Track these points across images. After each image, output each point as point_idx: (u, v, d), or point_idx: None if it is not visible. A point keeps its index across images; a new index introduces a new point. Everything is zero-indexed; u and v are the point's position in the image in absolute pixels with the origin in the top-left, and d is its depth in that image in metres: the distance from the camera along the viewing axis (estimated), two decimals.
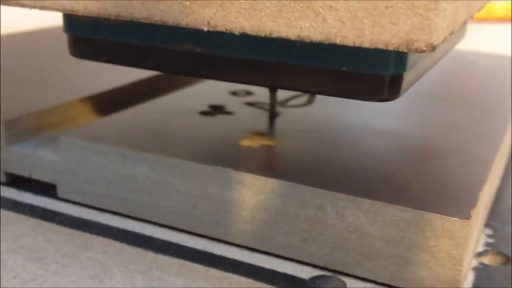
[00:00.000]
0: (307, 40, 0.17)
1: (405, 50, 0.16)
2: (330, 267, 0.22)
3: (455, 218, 0.19)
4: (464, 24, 0.27)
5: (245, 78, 0.21)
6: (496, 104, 0.33)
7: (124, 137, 0.25)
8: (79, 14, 0.20)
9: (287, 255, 0.22)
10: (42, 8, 0.20)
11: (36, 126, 0.28)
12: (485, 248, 0.24)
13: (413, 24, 0.15)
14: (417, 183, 0.22)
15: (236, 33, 0.18)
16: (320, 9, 0.16)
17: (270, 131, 0.28)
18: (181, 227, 0.24)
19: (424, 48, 0.16)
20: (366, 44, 0.16)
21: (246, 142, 0.26)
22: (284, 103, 0.32)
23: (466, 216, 0.20)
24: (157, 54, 0.22)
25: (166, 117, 0.28)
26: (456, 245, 0.20)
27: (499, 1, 0.87)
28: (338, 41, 0.17)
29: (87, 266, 0.21)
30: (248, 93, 0.33)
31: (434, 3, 0.15)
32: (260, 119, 0.29)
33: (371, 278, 0.21)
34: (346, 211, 0.21)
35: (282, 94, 0.33)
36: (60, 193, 0.26)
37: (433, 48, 0.16)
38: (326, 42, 0.17)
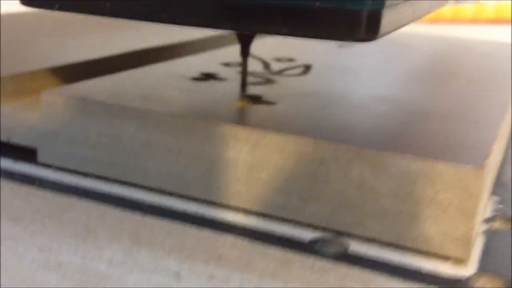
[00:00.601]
0: None
1: None
2: (332, 227, 0.20)
3: (469, 166, 0.18)
4: None
5: (208, 21, 0.19)
6: (496, 80, 0.32)
7: (111, 96, 0.24)
8: None
9: (285, 216, 0.21)
10: None
11: (15, 90, 0.26)
12: (494, 214, 0.22)
13: None
14: (425, 138, 0.21)
15: None
16: None
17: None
18: (171, 190, 0.22)
19: None
20: None
21: (241, 103, 0.24)
22: (279, 72, 0.30)
23: (480, 164, 0.18)
24: None
25: (156, 80, 0.27)
26: (468, 197, 0.18)
27: (489, 3, 0.87)
28: None
29: (68, 227, 0.20)
30: (240, 64, 0.32)
31: None
32: (254, 86, 0.27)
33: (376, 237, 0.20)
34: (350, 164, 0.19)
35: (276, 65, 0.32)
36: (41, 157, 0.24)
37: None
38: None
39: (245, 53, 0.26)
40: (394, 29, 0.19)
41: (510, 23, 0.83)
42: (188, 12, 0.18)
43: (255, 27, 0.18)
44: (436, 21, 0.84)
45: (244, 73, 0.27)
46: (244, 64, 0.27)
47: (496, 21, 0.86)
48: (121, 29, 0.40)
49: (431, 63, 0.36)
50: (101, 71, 0.30)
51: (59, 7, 0.20)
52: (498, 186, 0.25)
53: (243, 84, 0.27)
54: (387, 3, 0.18)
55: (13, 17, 0.44)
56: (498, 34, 0.71)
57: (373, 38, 0.18)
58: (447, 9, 0.85)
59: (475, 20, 0.87)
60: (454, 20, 0.86)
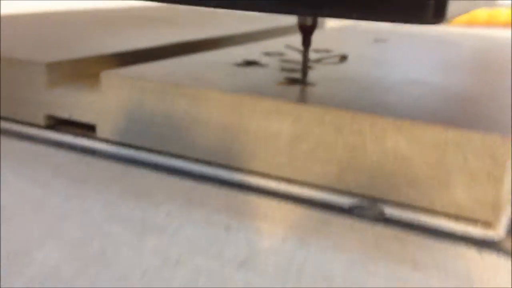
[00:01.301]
0: None
1: None
2: (369, 194, 0.22)
3: (496, 134, 0.19)
4: None
5: (279, 7, 0.20)
6: None
7: (164, 77, 0.26)
8: None
9: (326, 185, 0.22)
10: None
11: (76, 73, 0.28)
12: None
13: None
14: (456, 113, 0.22)
15: None
16: None
17: (304, 78, 0.28)
18: (219, 161, 0.24)
19: None
20: None
21: (281, 84, 0.26)
22: (317, 61, 0.32)
23: (506, 133, 0.20)
24: None
25: (204, 66, 0.29)
26: (496, 164, 0.20)
27: (504, 7, 0.87)
28: None
29: (127, 189, 0.22)
30: (280, 53, 0.34)
31: None
32: (293, 72, 0.29)
33: (410, 203, 0.21)
34: (385, 135, 0.21)
35: (315, 56, 0.34)
36: (99, 133, 0.27)
37: None
38: None
39: (306, 43, 0.28)
40: (458, 15, 0.20)
41: None
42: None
43: (331, 12, 0.20)
44: (472, 24, 0.84)
45: (305, 63, 0.28)
46: (305, 54, 0.28)
47: None
48: (164, 25, 0.43)
49: (464, 56, 0.37)
50: (151, 58, 0.32)
51: None
52: None
53: (304, 73, 0.28)
54: None
55: (44, 15, 0.47)
56: None
57: (440, 21, 0.19)
58: (482, 13, 0.85)
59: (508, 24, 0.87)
60: (489, 23, 0.86)
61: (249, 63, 0.30)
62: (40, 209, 0.20)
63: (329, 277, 0.16)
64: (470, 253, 0.18)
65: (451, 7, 0.20)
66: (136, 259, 0.17)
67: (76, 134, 0.27)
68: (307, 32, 0.27)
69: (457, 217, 0.20)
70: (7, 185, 0.21)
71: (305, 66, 0.28)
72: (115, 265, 0.16)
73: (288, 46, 0.36)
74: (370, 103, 0.23)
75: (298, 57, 0.33)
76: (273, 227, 0.19)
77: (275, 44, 0.37)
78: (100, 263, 0.17)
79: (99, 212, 0.20)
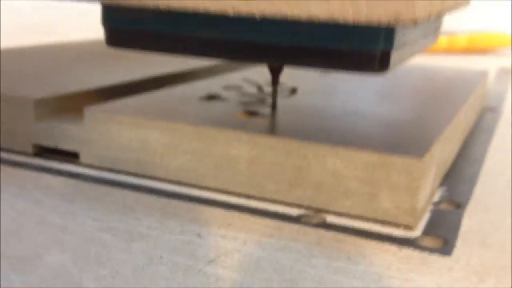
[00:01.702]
0: (315, 19, 0.21)
1: (394, 24, 0.20)
2: (314, 206, 0.26)
3: (411, 157, 0.24)
4: (437, 29, 0.32)
5: (260, 59, 0.25)
6: (451, 99, 0.38)
7: (139, 111, 0.30)
8: (122, 6, 0.24)
9: (277, 199, 0.27)
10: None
11: (61, 106, 0.32)
12: (440, 199, 0.29)
13: (401, 4, 0.20)
14: (383, 138, 0.27)
15: (257, 16, 0.22)
16: None
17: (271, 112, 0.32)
18: (188, 181, 0.29)
19: (409, 22, 0.20)
20: (363, 20, 0.21)
21: (241, 116, 0.31)
22: (270, 94, 0.37)
23: (420, 156, 0.25)
24: (184, 41, 0.25)
25: (171, 100, 0.33)
26: (412, 179, 0.25)
27: (462, 33, 0.95)
28: (341, 19, 0.21)
29: (111, 206, 0.26)
30: (239, 87, 0.38)
31: None
32: (250, 105, 0.34)
33: (346, 212, 0.26)
34: (326, 158, 0.26)
35: (267, 88, 0.39)
36: (82, 159, 0.31)
37: (415, 22, 0.20)
38: (331, 20, 0.21)
39: (275, 81, 0.32)
40: (399, 64, 0.25)
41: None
42: (240, 50, 0.24)
43: (293, 62, 0.24)
44: (432, 51, 0.90)
45: (274, 96, 0.32)
46: (274, 90, 0.32)
47: (469, 50, 0.94)
48: (122, 60, 0.47)
49: (403, 86, 0.42)
50: (125, 92, 0.36)
51: (141, 47, 0.26)
52: (448, 180, 0.31)
53: (273, 105, 0.32)
54: (395, 45, 0.23)
55: (27, 50, 0.51)
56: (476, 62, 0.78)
57: (384, 71, 0.24)
58: (441, 40, 0.92)
59: (449, 50, 0.94)
60: (448, 50, 0.93)
61: (211, 97, 0.35)
62: (41, 224, 0.24)
63: (280, 269, 0.21)
64: (393, 249, 0.23)
65: (394, 58, 0.24)
66: (127, 259, 0.21)
67: (61, 161, 0.31)
68: (276, 72, 0.32)
69: (383, 222, 0.25)
70: (9, 205, 0.25)
71: (275, 101, 0.32)
72: (110, 263, 0.21)
73: (246, 80, 0.41)
74: (314, 131, 0.28)
75: (254, 90, 0.38)
76: (236, 233, 0.24)
77: (234, 78, 0.42)
78: (98, 263, 0.21)
79: (91, 224, 0.24)
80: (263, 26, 0.24)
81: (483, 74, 0.49)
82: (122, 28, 0.26)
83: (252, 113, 0.32)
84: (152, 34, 0.26)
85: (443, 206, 0.28)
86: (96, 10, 0.28)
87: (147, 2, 0.24)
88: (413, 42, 0.26)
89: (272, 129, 0.28)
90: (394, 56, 0.24)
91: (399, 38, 0.23)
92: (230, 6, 0.22)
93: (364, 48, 0.23)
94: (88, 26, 0.57)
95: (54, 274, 0.20)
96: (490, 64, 0.80)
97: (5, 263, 0.20)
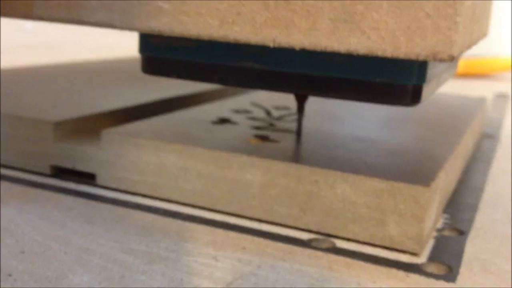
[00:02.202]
0: (354, 53, 0.22)
1: (431, 60, 0.21)
2: (323, 231, 0.28)
3: (418, 186, 0.26)
4: (457, 60, 0.33)
5: (295, 89, 0.26)
6: (453, 125, 0.40)
7: (155, 134, 0.31)
8: (164, 35, 0.25)
9: (289, 224, 0.28)
10: (131, 29, 0.25)
11: (79, 129, 0.34)
12: (443, 226, 0.30)
13: (438, 40, 0.21)
14: (391, 166, 0.29)
15: (297, 48, 0.23)
16: (366, 29, 0.22)
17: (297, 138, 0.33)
18: (203, 205, 0.30)
19: (446, 58, 0.21)
20: (401, 56, 0.21)
21: (252, 141, 0.32)
22: (279, 118, 0.38)
23: (427, 184, 0.26)
24: (220, 70, 0.27)
25: (185, 123, 0.34)
26: (419, 207, 0.26)
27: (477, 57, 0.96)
28: (379, 53, 0.22)
29: (130, 228, 0.27)
30: (247, 111, 0.40)
31: (454, 24, 0.20)
32: (261, 129, 0.35)
33: (355, 238, 0.27)
34: (335, 184, 0.27)
35: (276, 112, 0.40)
36: (99, 181, 0.32)
37: (452, 58, 0.21)
38: (369, 55, 0.22)
39: (300, 110, 0.33)
40: (428, 97, 0.26)
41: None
42: (276, 81, 0.25)
43: (328, 94, 0.25)
44: None
45: (299, 124, 0.33)
46: (299, 118, 0.33)
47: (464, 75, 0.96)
48: (132, 80, 0.48)
49: (401, 110, 0.44)
50: (141, 114, 0.37)
51: (177, 76, 0.27)
52: (450, 207, 0.32)
53: (298, 132, 0.33)
54: (427, 79, 0.25)
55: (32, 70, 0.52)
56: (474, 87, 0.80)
57: (416, 104, 0.25)
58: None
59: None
60: (465, 73, 0.95)
61: (223, 121, 0.36)
62: (65, 245, 0.25)
63: None
64: (401, 274, 0.24)
65: (425, 91, 0.25)
66: (148, 280, 0.22)
67: (77, 182, 0.32)
68: (301, 100, 0.33)
69: (390, 248, 0.26)
70: (33, 226, 0.26)
71: (300, 128, 0.33)
72: (134, 284, 0.22)
73: (254, 104, 0.42)
74: (324, 157, 0.29)
75: (262, 114, 0.39)
76: (251, 256, 0.25)
77: (242, 101, 0.43)
78: (122, 283, 0.22)
79: (113, 246, 0.25)
80: (299, 57, 0.25)
81: (482, 101, 0.51)
82: (160, 57, 0.27)
83: (263, 138, 0.33)
84: (190, 63, 0.27)
85: (446, 233, 0.29)
86: (100, 31, 0.29)
87: (189, 32, 0.24)
88: (440, 74, 0.28)
89: (284, 155, 0.29)
90: (425, 89, 0.25)
91: (430, 72, 0.25)
92: (271, 38, 0.23)
93: (398, 82, 0.24)
94: (92, 46, 0.59)
95: None
96: (486, 89, 0.82)
97: (34, 283, 0.21)
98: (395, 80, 0.24)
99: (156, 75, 0.28)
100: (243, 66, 0.26)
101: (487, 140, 0.50)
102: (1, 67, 0.53)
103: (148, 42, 0.27)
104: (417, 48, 0.21)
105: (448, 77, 0.32)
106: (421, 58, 0.21)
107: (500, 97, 0.77)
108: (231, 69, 0.26)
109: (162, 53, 0.27)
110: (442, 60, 0.21)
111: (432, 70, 0.25)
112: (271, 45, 0.23)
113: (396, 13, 0.21)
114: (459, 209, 0.32)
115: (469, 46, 0.24)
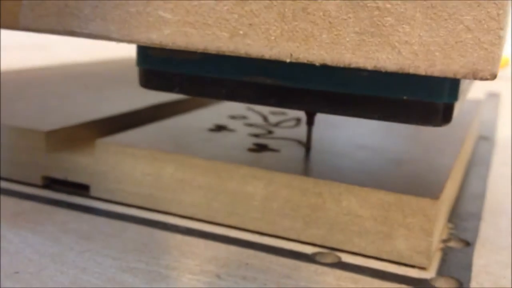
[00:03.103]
0: (383, 70, 0.20)
1: (471, 78, 0.19)
2: (328, 245, 0.27)
3: (427, 198, 0.25)
4: None
5: (312, 107, 0.23)
6: (454, 131, 0.39)
7: (151, 144, 0.30)
8: (167, 47, 0.22)
9: (292, 237, 0.27)
10: (129, 42, 0.23)
11: (71, 138, 0.32)
12: (449, 236, 0.29)
13: (480, 56, 0.18)
14: (397, 177, 0.28)
15: (317, 64, 0.20)
16: (396, 44, 0.19)
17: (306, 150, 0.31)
18: (202, 217, 0.29)
19: (489, 77, 0.18)
20: (437, 74, 0.19)
21: (251, 149, 0.31)
22: (276, 125, 0.37)
23: (436, 197, 0.25)
24: (228, 85, 0.25)
25: (182, 131, 0.33)
26: (427, 220, 0.25)
27: None
28: (411, 71, 0.19)
29: (128, 243, 0.26)
30: (244, 117, 0.39)
31: (498, 39, 0.18)
32: (259, 137, 0.34)
33: (361, 252, 0.26)
34: (341, 196, 0.26)
35: (273, 118, 0.39)
36: (93, 192, 0.31)
37: (495, 76, 0.18)
38: (400, 72, 0.19)
39: (310, 122, 0.30)
40: (457, 113, 0.23)
41: None
42: (293, 98, 0.23)
43: (353, 113, 0.22)
44: None
45: (309, 139, 0.31)
46: (309, 132, 0.31)
47: None
48: (122, 85, 0.47)
49: None
50: (134, 121, 0.36)
51: (179, 90, 0.25)
52: (453, 216, 0.32)
53: (308, 149, 0.31)
54: (459, 96, 0.22)
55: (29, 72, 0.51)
56: None
57: (446, 124, 0.22)
58: None
59: None
60: None
61: (220, 128, 0.35)
62: (61, 263, 0.23)
63: None
64: None
65: (456, 109, 0.23)
66: None
67: (70, 193, 0.31)
68: (311, 114, 0.30)
69: (398, 263, 0.26)
70: (26, 242, 0.25)
71: (309, 143, 0.31)
72: None
73: (250, 109, 0.41)
74: (327, 168, 0.28)
75: (259, 120, 0.38)
76: (255, 274, 0.24)
77: (237, 106, 0.42)
78: None
79: (111, 264, 0.24)
80: (318, 72, 0.22)
81: (478, 104, 0.50)
82: (160, 70, 0.25)
83: (263, 147, 0.32)
84: (195, 78, 0.25)
85: (453, 244, 0.28)
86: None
87: (195, 45, 0.22)
88: (466, 91, 0.26)
89: (285, 165, 0.29)
90: (456, 107, 0.23)
91: (461, 88, 0.23)
92: (288, 53, 0.20)
93: (428, 100, 0.21)
94: (85, 43, 0.57)
95: None
96: (475, 88, 0.81)
97: None
98: (424, 98, 0.22)
99: (157, 90, 0.26)
100: (253, 81, 0.24)
101: (483, 143, 0.49)
102: None
103: (148, 54, 0.25)
104: (454, 65, 0.19)
105: (469, 89, 0.30)
106: (459, 76, 0.19)
107: (491, 96, 0.76)
108: (240, 84, 0.24)
109: (163, 66, 0.25)
110: (483, 79, 0.18)
111: (463, 86, 0.23)
112: (288, 60, 0.21)
113: (431, 26, 0.19)
114: (463, 218, 0.32)
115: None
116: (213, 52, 0.22)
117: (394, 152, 0.32)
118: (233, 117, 0.38)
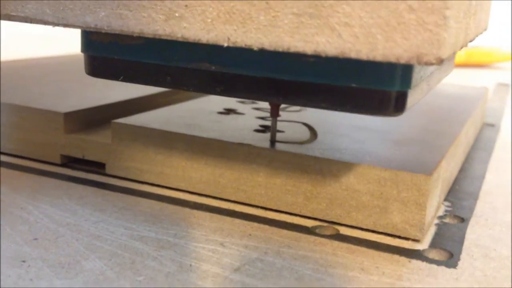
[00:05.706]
0: (323, 55, 0.18)
1: (415, 63, 0.17)
2: (327, 219, 0.28)
3: (421, 174, 0.26)
4: (453, 57, 0.31)
5: (258, 95, 0.22)
6: (454, 116, 0.40)
7: (164, 124, 0.32)
8: (102, 31, 0.21)
9: (294, 211, 0.29)
10: (65, 25, 0.21)
11: (88, 120, 0.34)
12: (445, 213, 0.31)
13: (424, 39, 0.17)
14: (394, 156, 0.29)
15: (255, 48, 0.19)
16: (336, 26, 0.18)
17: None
18: (209, 193, 0.30)
19: (434, 61, 0.17)
20: (379, 58, 0.18)
21: (257, 130, 0.33)
22: (282, 109, 0.39)
23: (428, 173, 0.27)
24: (173, 73, 0.23)
25: (192, 114, 0.35)
26: (421, 195, 0.26)
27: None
28: (352, 55, 0.18)
29: (139, 215, 0.28)
30: (253, 101, 0.40)
31: (443, 19, 0.16)
32: (266, 119, 0.36)
33: (358, 225, 0.28)
34: (340, 173, 0.28)
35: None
36: (108, 170, 0.32)
37: (441, 61, 0.17)
38: (340, 56, 0.18)
39: (274, 114, 0.30)
40: (415, 103, 0.22)
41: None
42: (239, 86, 0.22)
43: (300, 101, 0.21)
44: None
45: (274, 128, 0.30)
46: (273, 122, 0.30)
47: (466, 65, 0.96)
48: None
49: None
50: (148, 105, 0.38)
51: (124, 78, 0.24)
52: (451, 196, 0.33)
53: (273, 135, 0.30)
54: (412, 84, 0.20)
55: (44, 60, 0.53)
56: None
57: (399, 114, 0.20)
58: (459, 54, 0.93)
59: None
60: (467, 63, 0.95)
61: (229, 111, 0.37)
62: (77, 231, 0.25)
63: (300, 278, 0.23)
64: (403, 260, 0.25)
65: (411, 98, 0.22)
66: (158, 266, 0.23)
67: (87, 171, 0.33)
68: (275, 105, 0.30)
69: (393, 235, 0.27)
70: (45, 213, 0.27)
71: (274, 132, 0.31)
72: (145, 270, 0.22)
73: None
74: (328, 147, 0.30)
75: (267, 104, 0.40)
76: (257, 243, 0.25)
77: None
78: (133, 269, 0.22)
79: (123, 233, 0.26)
80: (263, 57, 0.21)
81: (484, 91, 0.51)
82: (104, 57, 0.24)
83: (268, 128, 0.33)
84: (139, 64, 0.23)
85: (448, 220, 0.30)
86: None
87: (130, 28, 0.21)
88: (430, 76, 0.25)
89: (288, 144, 0.30)
90: (411, 96, 0.21)
91: (416, 76, 0.21)
92: (225, 37, 0.19)
93: (378, 88, 0.20)
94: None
95: (94, 279, 0.21)
96: (488, 78, 0.82)
97: (48, 268, 0.22)
98: (374, 86, 0.20)
99: (101, 77, 0.25)
100: (199, 68, 0.22)
101: (488, 129, 0.51)
102: (5, 59, 0.53)
103: (91, 39, 0.24)
104: (398, 49, 0.17)
105: (443, 76, 0.29)
106: (402, 61, 0.17)
107: (501, 86, 0.77)
108: (185, 71, 0.22)
109: (107, 53, 0.23)
110: (428, 64, 0.17)
111: (420, 73, 0.21)
112: (225, 44, 0.19)
113: (373, 5, 0.17)
114: (460, 197, 0.33)
115: (463, 44, 0.20)
116: (150, 36, 0.21)
117: (393, 134, 0.34)
118: (242, 102, 0.40)
